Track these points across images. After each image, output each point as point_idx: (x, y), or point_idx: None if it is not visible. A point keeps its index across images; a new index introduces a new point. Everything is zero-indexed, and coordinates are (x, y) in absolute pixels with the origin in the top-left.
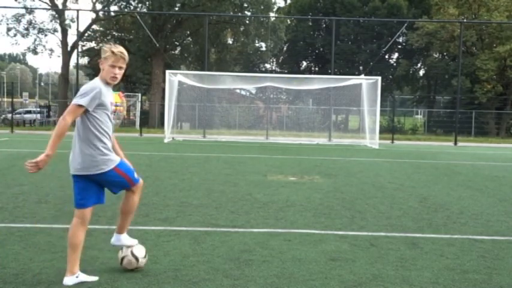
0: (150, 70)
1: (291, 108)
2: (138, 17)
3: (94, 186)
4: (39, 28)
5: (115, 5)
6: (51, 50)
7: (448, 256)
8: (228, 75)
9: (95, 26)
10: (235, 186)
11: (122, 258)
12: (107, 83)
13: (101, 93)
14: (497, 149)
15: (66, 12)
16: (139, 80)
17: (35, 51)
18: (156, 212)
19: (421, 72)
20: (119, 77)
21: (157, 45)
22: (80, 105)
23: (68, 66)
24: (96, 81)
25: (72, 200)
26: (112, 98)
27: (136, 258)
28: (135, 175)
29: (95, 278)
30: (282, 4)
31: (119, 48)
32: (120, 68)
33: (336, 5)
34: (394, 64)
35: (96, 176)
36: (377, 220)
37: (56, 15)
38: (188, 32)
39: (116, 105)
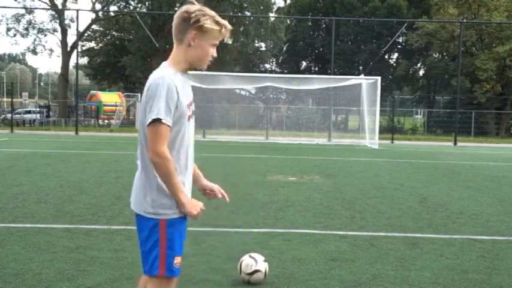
0: (149, 70)
1: (291, 108)
2: (137, 17)
3: None
4: (39, 28)
5: (114, 5)
6: (51, 50)
7: (447, 256)
8: (227, 75)
9: (94, 26)
10: (235, 186)
11: (241, 263)
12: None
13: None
14: (497, 149)
15: (66, 12)
16: (139, 80)
17: (34, 51)
18: None
19: (421, 72)
20: None
21: (157, 45)
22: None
23: (67, 66)
24: (166, 72)
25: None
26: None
27: (255, 260)
28: (175, 261)
29: None
30: (281, 4)
31: (225, 21)
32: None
33: (335, 5)
34: (394, 64)
35: None
36: (377, 220)
37: (56, 15)
38: None
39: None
